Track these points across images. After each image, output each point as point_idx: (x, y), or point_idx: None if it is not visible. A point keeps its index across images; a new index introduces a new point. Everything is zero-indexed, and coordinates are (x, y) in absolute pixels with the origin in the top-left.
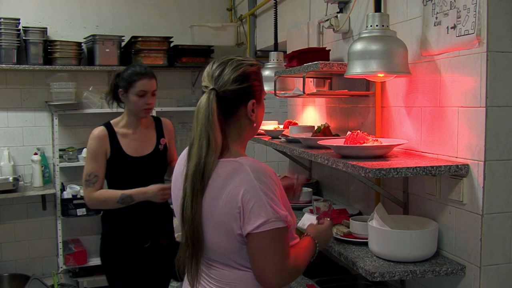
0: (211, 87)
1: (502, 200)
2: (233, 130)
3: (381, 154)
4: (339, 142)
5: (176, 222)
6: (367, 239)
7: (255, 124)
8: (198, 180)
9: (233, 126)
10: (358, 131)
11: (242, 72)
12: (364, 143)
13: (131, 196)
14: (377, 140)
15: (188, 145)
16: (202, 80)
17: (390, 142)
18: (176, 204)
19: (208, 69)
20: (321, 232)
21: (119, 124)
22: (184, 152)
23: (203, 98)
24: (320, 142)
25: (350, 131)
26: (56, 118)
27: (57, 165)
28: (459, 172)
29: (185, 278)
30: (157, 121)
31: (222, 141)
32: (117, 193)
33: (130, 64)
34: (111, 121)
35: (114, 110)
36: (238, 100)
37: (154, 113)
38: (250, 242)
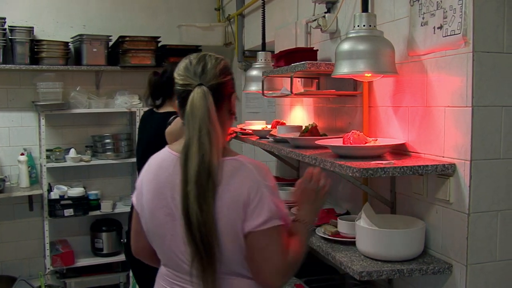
0: (197, 83)
1: (488, 199)
2: (220, 125)
3: (380, 154)
4: (338, 142)
5: None
6: (354, 238)
7: (234, 117)
8: (205, 179)
9: (219, 121)
10: (358, 131)
11: (224, 65)
12: (366, 143)
13: None
14: (376, 140)
15: (183, 147)
16: (178, 80)
17: (389, 142)
18: (162, 213)
19: (185, 66)
20: (306, 210)
21: None
22: (156, 159)
23: (197, 94)
24: (318, 142)
25: (345, 131)
26: (43, 118)
27: (44, 165)
28: (445, 171)
29: None
30: None
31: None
32: None
33: (118, 63)
34: None
35: (101, 110)
36: (224, 94)
37: (141, 113)
38: (251, 240)
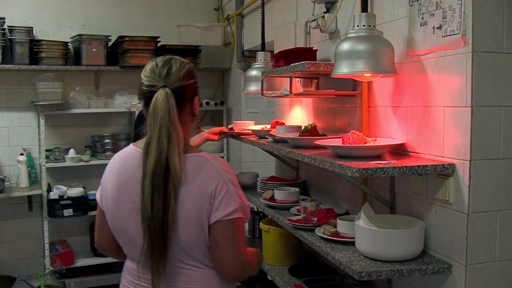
0: (161, 84)
1: (487, 199)
2: (182, 125)
3: (379, 154)
4: (337, 142)
5: None
6: (354, 238)
7: (196, 119)
8: (160, 176)
9: (181, 122)
10: (357, 131)
11: (188, 69)
12: (365, 143)
13: None
14: (376, 139)
15: (145, 144)
16: (144, 81)
17: (388, 142)
18: (127, 208)
19: (151, 68)
20: (259, 260)
21: None
22: (120, 156)
23: (160, 96)
24: (317, 142)
25: (344, 131)
26: (42, 118)
27: (44, 165)
28: (445, 171)
29: (122, 283)
30: None
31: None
32: None
33: (118, 63)
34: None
35: (100, 110)
36: (187, 96)
37: (137, 113)
38: (216, 230)
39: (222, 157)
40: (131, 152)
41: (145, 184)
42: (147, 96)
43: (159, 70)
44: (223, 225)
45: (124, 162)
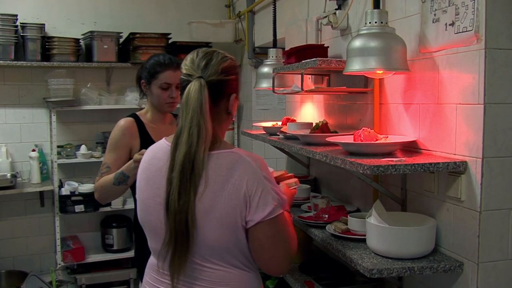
0: (198, 75)
1: (499, 197)
2: (215, 121)
3: (391, 151)
4: (348, 139)
5: None
6: (365, 236)
7: (233, 118)
8: (188, 170)
9: (215, 117)
10: (368, 128)
11: (228, 64)
12: (377, 140)
13: (123, 171)
14: (387, 137)
15: (175, 135)
16: (183, 70)
17: (400, 139)
18: (154, 202)
19: (191, 58)
20: (290, 199)
21: (146, 117)
22: (152, 150)
23: (194, 86)
24: (329, 139)
25: (356, 128)
26: (54, 115)
27: (55, 161)
28: (457, 169)
29: (146, 280)
30: (177, 117)
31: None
32: (112, 174)
33: (129, 60)
34: (137, 113)
35: (111, 106)
36: (223, 92)
37: None
38: (258, 231)
39: None
40: (161, 145)
41: (173, 176)
42: (182, 86)
43: (198, 61)
44: (265, 226)
45: (154, 156)
